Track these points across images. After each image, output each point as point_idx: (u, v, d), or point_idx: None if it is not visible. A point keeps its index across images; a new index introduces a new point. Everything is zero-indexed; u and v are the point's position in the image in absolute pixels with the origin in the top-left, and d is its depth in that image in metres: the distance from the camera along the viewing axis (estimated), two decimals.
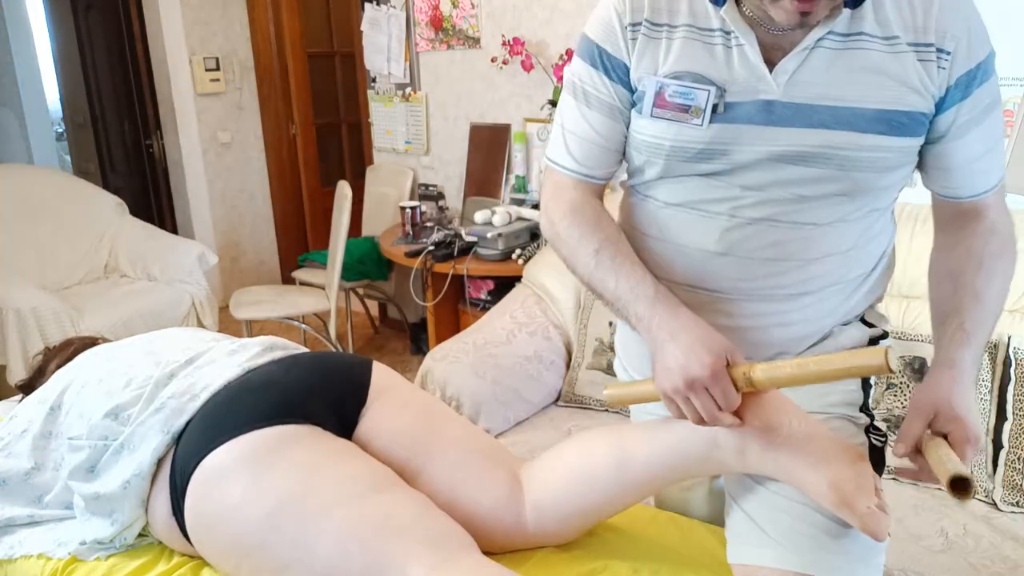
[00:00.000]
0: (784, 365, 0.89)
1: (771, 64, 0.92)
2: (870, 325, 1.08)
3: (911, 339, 1.75)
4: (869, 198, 0.97)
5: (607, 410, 2.09)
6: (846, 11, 0.90)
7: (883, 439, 1.06)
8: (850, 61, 0.90)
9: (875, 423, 1.06)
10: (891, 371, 0.82)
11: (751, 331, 1.02)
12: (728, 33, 0.94)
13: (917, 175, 1.04)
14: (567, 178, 1.06)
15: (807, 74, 0.91)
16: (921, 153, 0.98)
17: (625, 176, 1.12)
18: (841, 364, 0.86)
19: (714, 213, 0.97)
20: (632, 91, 1.00)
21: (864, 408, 1.06)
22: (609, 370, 2.09)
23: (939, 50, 0.91)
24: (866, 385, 1.07)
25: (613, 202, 1.15)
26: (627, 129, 1.03)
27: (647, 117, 0.98)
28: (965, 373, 0.92)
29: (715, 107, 0.93)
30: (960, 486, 0.81)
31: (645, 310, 0.94)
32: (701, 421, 0.91)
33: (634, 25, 0.98)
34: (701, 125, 0.94)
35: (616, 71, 1.00)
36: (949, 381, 0.91)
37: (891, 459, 1.65)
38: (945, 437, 0.89)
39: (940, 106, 0.93)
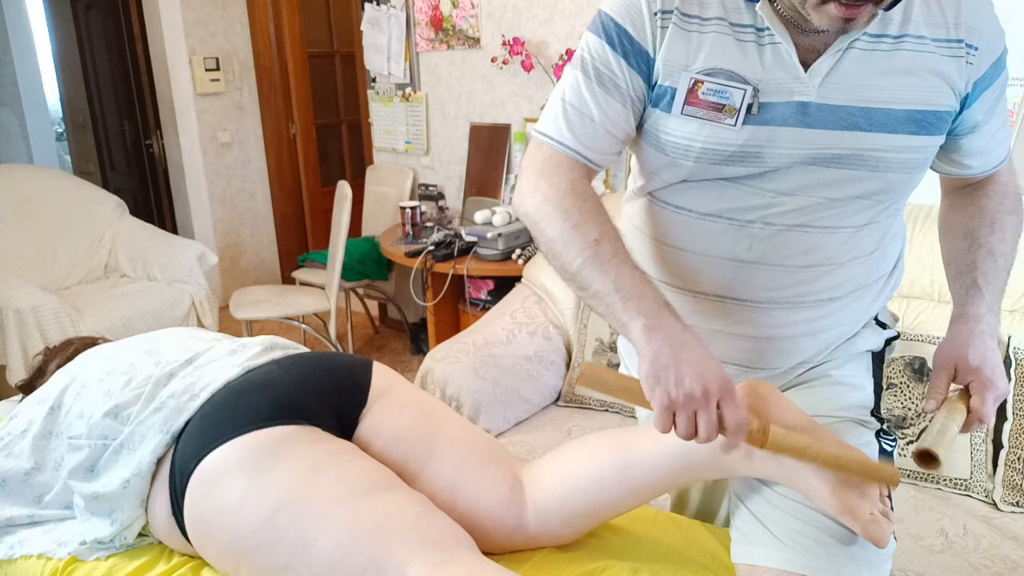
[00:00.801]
0: (803, 437, 0.86)
1: (804, 64, 0.90)
2: (883, 326, 1.09)
3: (911, 339, 1.75)
4: (894, 199, 0.97)
5: (607, 410, 2.09)
6: (879, 13, 0.88)
7: (893, 443, 1.06)
8: (881, 62, 0.90)
9: (885, 427, 1.06)
10: (894, 485, 0.85)
11: (780, 340, 1.01)
12: (761, 31, 0.91)
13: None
14: (563, 155, 0.97)
15: (840, 75, 0.90)
16: (945, 146, 1.00)
17: (633, 182, 1.08)
18: (856, 466, 0.86)
19: (745, 222, 0.95)
20: (651, 84, 0.95)
21: (875, 412, 1.06)
22: None
23: (968, 46, 0.91)
24: (877, 389, 1.08)
25: (608, 205, 1.12)
26: (634, 122, 0.97)
27: (676, 116, 0.92)
28: (980, 325, 0.96)
29: (749, 107, 0.90)
30: (924, 458, 0.87)
31: (652, 311, 0.85)
32: (691, 438, 0.84)
33: (665, 12, 0.92)
34: (734, 126, 0.90)
35: (636, 57, 0.93)
36: (965, 335, 0.96)
37: (897, 461, 1.65)
38: (966, 391, 0.95)
39: (966, 102, 0.94)
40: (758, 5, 0.90)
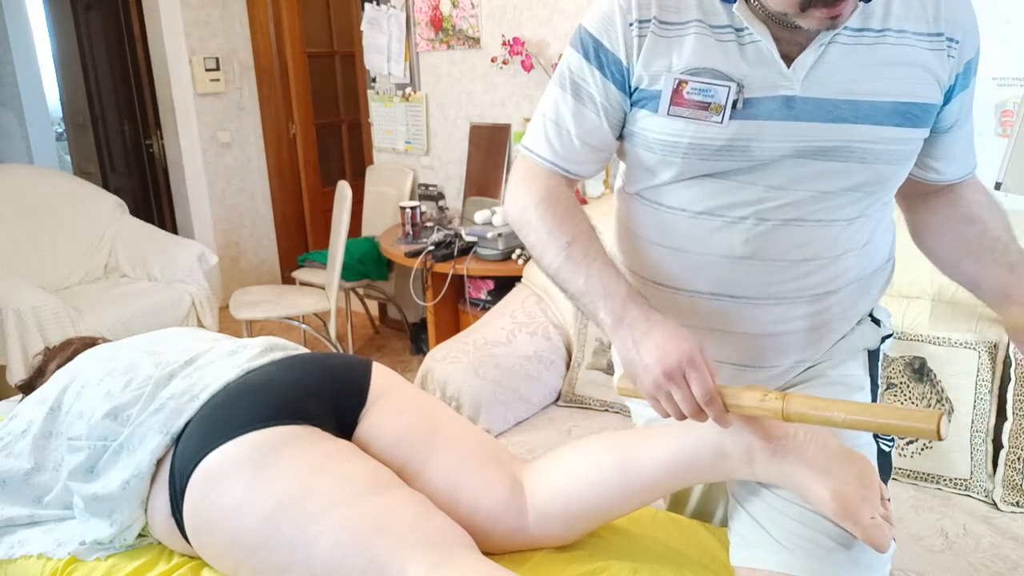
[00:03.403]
0: (826, 404, 0.83)
1: (787, 59, 0.91)
2: (877, 322, 1.09)
3: (911, 339, 1.75)
4: (883, 191, 0.98)
5: (607, 410, 2.09)
6: (859, 5, 0.89)
7: (891, 443, 1.06)
8: (864, 55, 0.91)
9: None
10: (940, 438, 0.78)
11: (780, 337, 1.01)
12: (740, 30, 0.92)
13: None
14: (542, 167, 1.03)
15: (824, 69, 0.90)
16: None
17: (622, 178, 1.08)
18: (891, 420, 0.80)
19: (738, 218, 0.95)
20: (627, 92, 0.97)
21: None
22: (609, 370, 2.09)
23: (948, 39, 0.92)
24: (874, 388, 1.08)
25: (599, 209, 1.13)
26: (611, 132, 1.00)
27: (663, 116, 0.94)
28: None
29: (735, 103, 0.91)
30: None
31: (617, 308, 0.91)
32: (682, 416, 0.87)
33: (642, 22, 0.94)
34: (720, 122, 0.91)
35: (610, 67, 0.96)
36: None
37: (895, 460, 1.65)
38: None
39: (948, 96, 0.95)
40: (735, 6, 0.91)
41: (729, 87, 0.90)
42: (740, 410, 0.87)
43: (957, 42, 0.93)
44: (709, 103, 0.91)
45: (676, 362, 0.85)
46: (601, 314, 0.92)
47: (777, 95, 0.91)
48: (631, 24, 0.94)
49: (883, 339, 1.11)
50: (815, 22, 0.84)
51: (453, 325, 2.96)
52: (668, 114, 0.93)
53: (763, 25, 0.90)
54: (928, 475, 1.67)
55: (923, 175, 1.05)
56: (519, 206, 1.01)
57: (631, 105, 0.98)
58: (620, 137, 1.02)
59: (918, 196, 1.09)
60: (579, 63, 0.98)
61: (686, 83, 0.92)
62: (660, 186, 0.99)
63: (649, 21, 0.94)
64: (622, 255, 1.11)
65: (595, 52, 0.97)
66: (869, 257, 1.02)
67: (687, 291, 1.01)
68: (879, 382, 1.09)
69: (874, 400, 1.07)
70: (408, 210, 3.03)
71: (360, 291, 3.74)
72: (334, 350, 3.24)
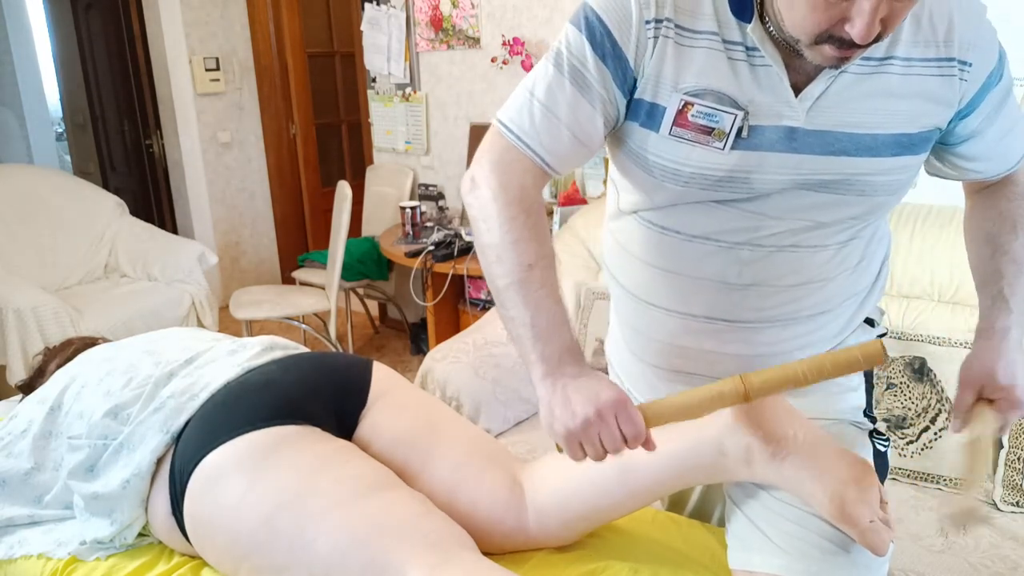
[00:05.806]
0: (776, 369, 0.87)
1: (795, 89, 0.87)
2: (871, 323, 1.09)
3: (911, 339, 1.74)
4: (879, 216, 0.97)
5: None
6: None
7: (886, 443, 1.06)
8: (870, 86, 0.87)
9: (878, 428, 1.06)
10: (884, 360, 0.82)
11: (774, 357, 1.00)
12: (751, 49, 0.87)
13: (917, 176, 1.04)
14: (519, 151, 0.92)
15: (829, 100, 0.87)
16: (943, 154, 0.98)
17: (616, 199, 1.05)
18: (839, 363, 0.86)
19: (734, 244, 0.93)
20: (626, 93, 0.90)
21: (868, 412, 1.06)
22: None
23: (961, 63, 0.88)
24: (869, 389, 1.07)
25: (598, 209, 1.12)
26: (603, 130, 0.92)
27: (664, 136, 0.89)
28: (1007, 340, 0.95)
29: (739, 131, 0.87)
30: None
31: (553, 356, 0.88)
32: (601, 457, 0.86)
33: (658, 22, 0.86)
34: (723, 149, 0.87)
35: (615, 62, 0.88)
36: (991, 351, 0.95)
37: (894, 460, 1.65)
38: (991, 402, 0.94)
39: (961, 113, 0.92)
40: (750, 27, 0.86)
41: (735, 115, 0.86)
42: (697, 415, 0.90)
43: (970, 64, 0.88)
44: (713, 128, 0.87)
45: (608, 402, 0.84)
46: (536, 357, 0.88)
47: (780, 125, 0.87)
48: (648, 22, 0.87)
49: (878, 338, 1.11)
50: (821, 58, 0.81)
51: (453, 325, 2.96)
52: (670, 134, 0.89)
53: (775, 50, 0.86)
54: (928, 475, 1.67)
55: (960, 176, 1.02)
56: (487, 194, 0.91)
57: (625, 113, 0.93)
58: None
59: (971, 192, 1.07)
60: (581, 46, 0.88)
61: (692, 105, 0.87)
62: (655, 208, 0.97)
63: (663, 22, 0.87)
64: (613, 271, 1.09)
65: (601, 39, 0.88)
66: (863, 272, 1.01)
67: (680, 313, 1.00)
68: (875, 382, 1.08)
69: (869, 404, 1.06)
70: (408, 210, 3.03)
71: (360, 291, 3.74)
72: (334, 350, 3.24)
